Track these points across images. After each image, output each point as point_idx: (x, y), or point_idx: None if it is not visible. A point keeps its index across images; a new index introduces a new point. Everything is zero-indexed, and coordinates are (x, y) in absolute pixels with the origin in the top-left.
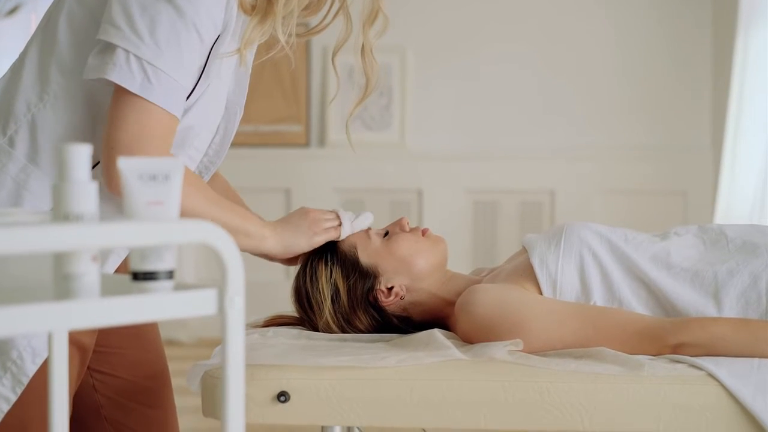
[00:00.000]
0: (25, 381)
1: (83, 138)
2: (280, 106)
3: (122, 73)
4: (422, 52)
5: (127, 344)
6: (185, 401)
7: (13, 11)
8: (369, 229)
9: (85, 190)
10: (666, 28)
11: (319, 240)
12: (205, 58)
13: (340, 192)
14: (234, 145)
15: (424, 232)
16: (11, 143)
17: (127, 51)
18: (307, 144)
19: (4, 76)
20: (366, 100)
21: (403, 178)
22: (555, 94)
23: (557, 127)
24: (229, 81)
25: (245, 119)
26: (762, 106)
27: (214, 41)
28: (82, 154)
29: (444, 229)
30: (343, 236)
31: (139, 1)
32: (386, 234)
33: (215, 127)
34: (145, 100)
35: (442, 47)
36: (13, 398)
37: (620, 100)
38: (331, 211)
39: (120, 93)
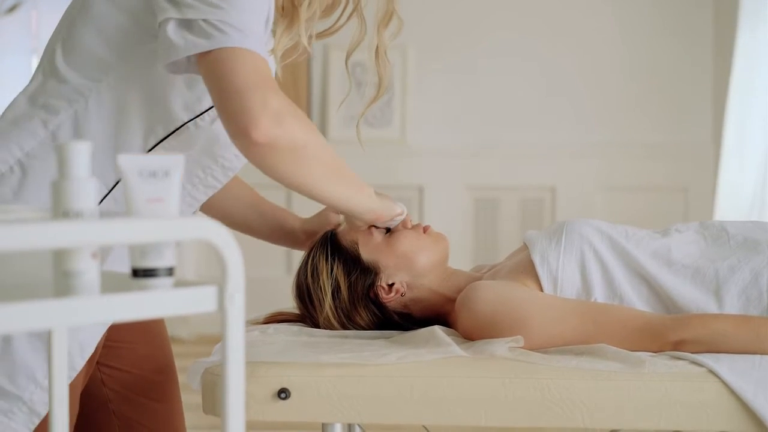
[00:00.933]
0: (73, 375)
1: (127, 130)
2: None
3: (216, 39)
4: (423, 48)
5: (136, 339)
6: (186, 398)
7: (12, 9)
8: (371, 225)
9: (84, 187)
10: (667, 24)
11: (401, 209)
12: None
13: None
14: None
15: (425, 229)
16: (54, 138)
17: (207, 20)
18: None
19: (34, 77)
20: (379, 100)
21: (404, 175)
22: (556, 91)
23: (558, 124)
24: None
25: None
26: (762, 103)
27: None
28: (81, 151)
29: (445, 225)
30: (405, 214)
31: None
32: (387, 230)
33: None
34: (244, 49)
35: (442, 44)
36: None
37: (621, 97)
38: None
39: (214, 56)
